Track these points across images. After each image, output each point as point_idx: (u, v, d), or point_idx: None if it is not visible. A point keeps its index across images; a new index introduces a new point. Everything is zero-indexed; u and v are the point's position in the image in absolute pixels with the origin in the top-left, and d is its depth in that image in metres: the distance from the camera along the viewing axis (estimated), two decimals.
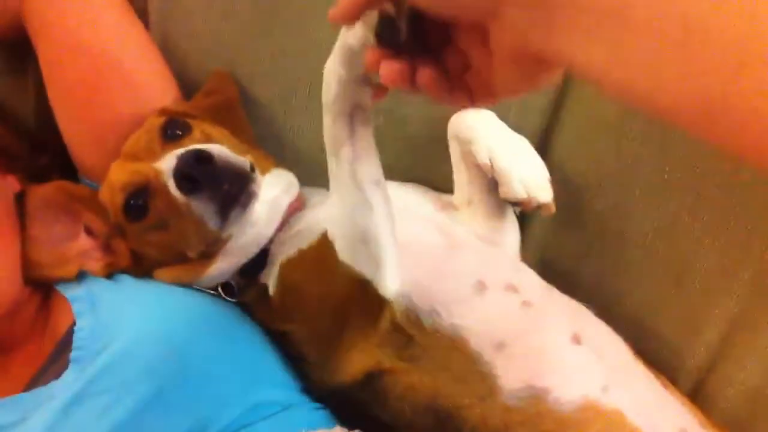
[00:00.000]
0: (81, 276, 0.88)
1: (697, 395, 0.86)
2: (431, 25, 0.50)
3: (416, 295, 0.77)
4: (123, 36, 0.99)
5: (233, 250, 0.86)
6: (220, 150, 0.81)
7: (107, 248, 0.90)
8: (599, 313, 0.85)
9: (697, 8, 0.34)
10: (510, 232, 0.92)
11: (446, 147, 0.91)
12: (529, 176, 0.82)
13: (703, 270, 0.85)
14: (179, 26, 1.05)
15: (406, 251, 0.77)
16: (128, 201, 0.84)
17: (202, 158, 0.78)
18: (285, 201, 0.90)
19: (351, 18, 0.53)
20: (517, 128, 0.86)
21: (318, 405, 0.88)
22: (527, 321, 0.79)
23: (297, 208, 0.91)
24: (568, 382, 0.75)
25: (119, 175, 0.86)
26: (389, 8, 0.50)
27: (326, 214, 0.80)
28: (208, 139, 0.87)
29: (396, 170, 0.96)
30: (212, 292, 0.89)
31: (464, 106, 0.52)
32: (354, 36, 0.59)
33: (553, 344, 0.78)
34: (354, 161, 0.71)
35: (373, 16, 0.52)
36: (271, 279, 0.87)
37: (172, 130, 0.87)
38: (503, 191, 0.82)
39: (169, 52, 1.03)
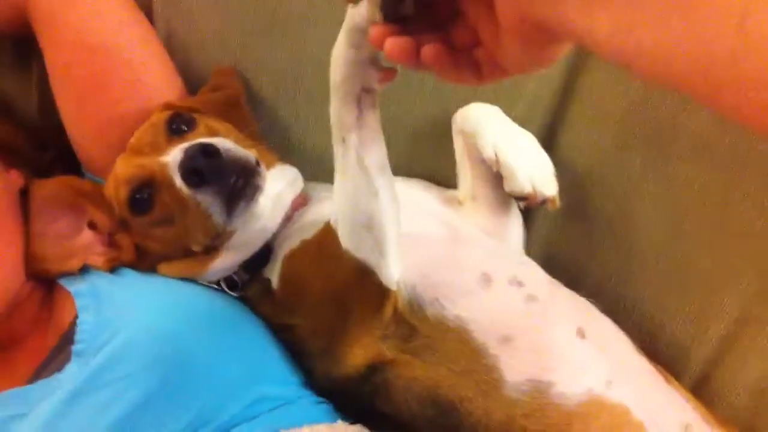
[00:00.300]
0: (84, 270, 0.88)
1: (701, 390, 0.85)
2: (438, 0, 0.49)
3: (420, 286, 0.77)
4: (128, 32, 0.99)
5: (237, 245, 0.86)
6: (225, 144, 0.81)
7: (111, 243, 0.90)
8: (604, 308, 0.84)
9: None
10: (514, 226, 0.92)
11: (450, 142, 0.91)
12: (535, 171, 0.82)
13: (708, 266, 0.85)
14: (184, 23, 1.05)
15: (411, 243, 0.77)
16: (133, 195, 0.84)
17: (209, 152, 0.78)
18: (289, 196, 0.90)
19: None
20: (522, 123, 0.86)
21: (320, 399, 0.88)
22: (532, 315, 0.79)
23: (301, 203, 0.91)
24: (572, 376, 0.75)
25: (124, 169, 0.86)
26: None
27: (330, 208, 0.79)
28: (213, 134, 0.87)
29: (400, 166, 0.95)
30: (215, 286, 0.89)
31: (471, 84, 0.51)
32: (360, 14, 0.58)
33: (557, 338, 0.78)
34: (360, 147, 0.70)
35: None
36: (274, 274, 0.87)
37: (177, 124, 0.87)
38: (508, 186, 0.82)
39: (173, 48, 1.03)
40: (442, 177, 0.95)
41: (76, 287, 0.85)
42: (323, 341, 0.84)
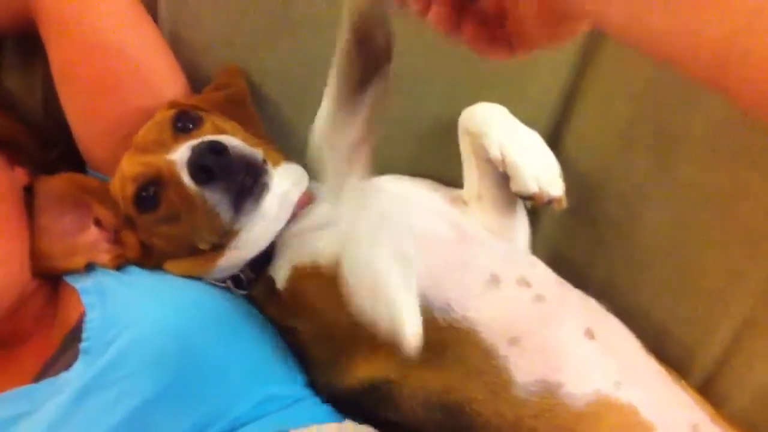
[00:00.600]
0: (90, 268, 0.88)
1: (707, 392, 0.85)
2: None
3: (431, 293, 0.77)
4: (132, 31, 0.99)
5: (243, 243, 0.86)
6: (233, 141, 0.81)
7: (117, 240, 0.90)
8: (610, 309, 0.84)
9: None
10: (520, 226, 0.91)
11: (456, 142, 0.90)
12: (541, 171, 0.81)
13: (715, 266, 0.85)
14: (189, 24, 1.05)
15: (419, 247, 0.76)
16: (139, 192, 0.84)
17: (216, 149, 0.78)
18: (295, 194, 0.90)
19: None
20: (528, 123, 0.86)
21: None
22: (540, 315, 0.78)
23: (306, 201, 0.91)
24: (581, 377, 0.75)
25: (131, 167, 0.86)
26: None
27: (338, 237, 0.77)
28: (220, 132, 0.87)
29: (406, 165, 0.96)
30: (221, 284, 0.89)
31: (503, 57, 0.53)
32: None
33: (566, 339, 0.77)
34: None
35: None
36: (278, 273, 0.87)
37: (184, 122, 0.87)
38: (514, 185, 0.82)
39: (178, 49, 1.03)
40: (448, 177, 0.95)
41: (82, 284, 0.85)
42: (326, 351, 0.84)
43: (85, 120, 0.98)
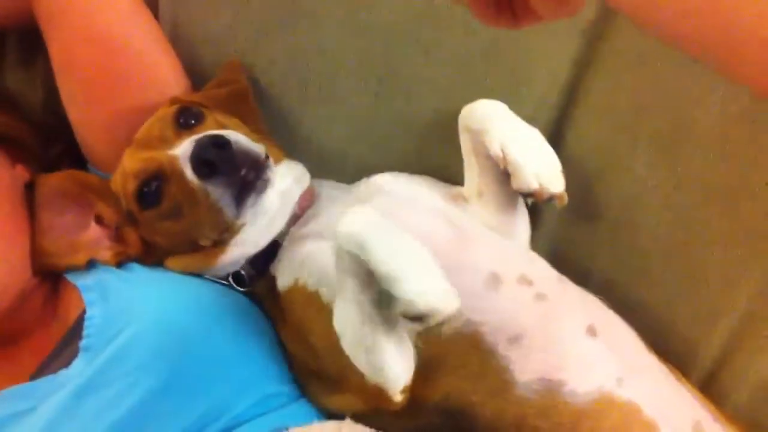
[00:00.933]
0: (91, 265, 0.88)
1: (709, 388, 0.85)
2: None
3: None
4: (133, 27, 0.99)
5: (245, 240, 0.86)
6: (236, 136, 0.81)
7: (118, 237, 0.90)
8: (612, 305, 0.84)
9: None
10: (521, 224, 0.91)
11: (457, 138, 0.90)
12: (542, 167, 0.81)
13: (716, 263, 0.85)
14: (190, 19, 1.04)
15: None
16: (141, 188, 0.84)
17: (219, 144, 0.78)
18: (296, 192, 0.89)
19: None
20: (529, 120, 0.86)
21: None
22: (542, 313, 0.78)
23: (308, 199, 0.91)
24: (583, 375, 0.75)
25: (132, 163, 0.86)
26: None
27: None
28: (222, 128, 0.87)
29: (407, 162, 0.96)
30: (222, 281, 0.89)
31: (508, 27, 0.53)
32: None
33: (568, 336, 0.77)
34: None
35: None
36: (280, 274, 0.87)
37: (186, 118, 0.87)
38: (515, 182, 0.81)
39: (179, 44, 1.03)
40: (449, 173, 0.94)
41: (83, 281, 0.85)
42: (318, 371, 0.84)
43: (86, 116, 0.98)
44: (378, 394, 0.73)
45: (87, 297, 0.82)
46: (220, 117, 0.90)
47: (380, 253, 0.65)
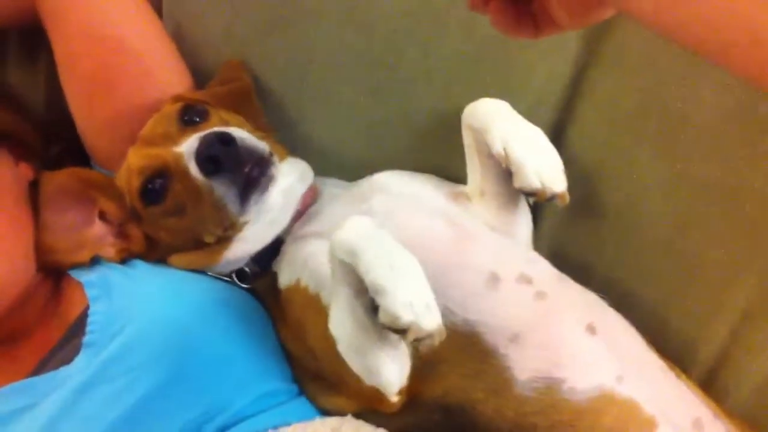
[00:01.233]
0: (95, 261, 0.88)
1: (709, 386, 0.85)
2: None
3: None
4: (137, 25, 0.99)
5: (249, 237, 0.86)
6: (241, 133, 0.81)
7: (121, 234, 0.90)
8: (612, 303, 0.84)
9: None
10: (523, 222, 0.91)
11: (459, 137, 0.90)
12: (544, 166, 0.81)
13: (715, 261, 0.85)
14: (191, 18, 1.05)
15: (417, 247, 0.76)
16: (146, 185, 0.84)
17: (224, 140, 0.78)
18: (300, 189, 0.90)
19: None
20: (530, 119, 0.86)
21: None
22: (541, 312, 0.78)
23: (311, 197, 0.91)
24: (582, 372, 0.75)
25: (137, 160, 0.86)
26: None
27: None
28: (226, 125, 0.87)
29: (409, 160, 0.96)
30: (226, 278, 0.89)
31: (529, 37, 0.53)
32: None
33: (567, 335, 0.77)
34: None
35: None
36: (282, 271, 0.87)
37: (190, 115, 0.88)
38: (517, 181, 0.81)
39: (181, 43, 1.03)
40: (451, 172, 0.95)
41: (86, 278, 0.86)
42: (316, 371, 0.84)
43: (90, 114, 0.98)
44: (374, 396, 0.74)
45: (90, 293, 0.83)
46: (224, 114, 0.91)
47: (370, 264, 0.66)
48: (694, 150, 0.84)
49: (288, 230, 0.89)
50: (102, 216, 0.90)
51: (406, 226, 0.79)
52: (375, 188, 0.89)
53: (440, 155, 0.97)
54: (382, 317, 0.65)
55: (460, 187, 0.93)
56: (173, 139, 0.85)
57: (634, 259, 0.91)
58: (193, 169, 0.80)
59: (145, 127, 0.89)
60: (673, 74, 0.84)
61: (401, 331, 0.64)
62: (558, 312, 0.79)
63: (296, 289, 0.83)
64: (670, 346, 0.86)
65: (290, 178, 0.89)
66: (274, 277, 0.88)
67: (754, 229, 0.82)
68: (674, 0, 0.38)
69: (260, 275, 0.89)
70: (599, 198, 0.92)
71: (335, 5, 0.96)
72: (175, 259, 0.89)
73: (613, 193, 0.91)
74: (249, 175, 0.81)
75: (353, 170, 0.97)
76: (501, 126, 0.82)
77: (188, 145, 0.81)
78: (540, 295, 0.79)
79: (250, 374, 0.82)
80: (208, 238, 0.86)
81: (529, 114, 0.85)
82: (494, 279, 0.79)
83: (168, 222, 0.86)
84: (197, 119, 0.88)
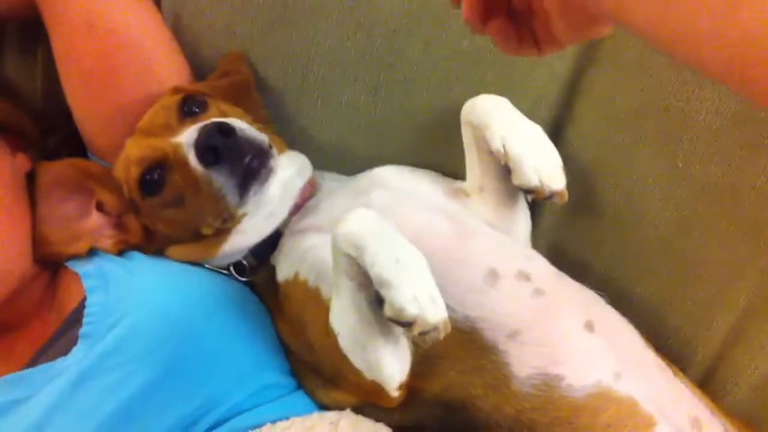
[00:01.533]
0: (92, 253, 0.88)
1: (707, 384, 0.86)
2: None
3: None
4: (137, 17, 0.99)
5: (247, 229, 0.86)
6: (240, 124, 0.81)
7: (119, 225, 0.90)
8: (610, 301, 0.84)
9: None
10: (521, 220, 0.91)
11: (458, 133, 0.90)
12: (543, 164, 0.81)
13: (714, 260, 0.86)
14: (192, 12, 1.04)
15: (416, 242, 0.76)
16: (144, 175, 0.84)
17: (224, 131, 0.78)
18: (299, 182, 0.90)
19: None
20: (530, 116, 0.86)
21: None
22: (540, 309, 0.78)
23: (309, 190, 0.91)
24: (581, 369, 0.75)
25: (136, 150, 0.85)
26: None
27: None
28: (225, 116, 0.86)
29: (408, 156, 0.96)
30: (223, 271, 0.89)
31: (532, 54, 0.54)
32: None
33: (566, 331, 0.77)
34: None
35: None
36: (280, 264, 0.87)
37: (190, 106, 0.87)
38: (516, 178, 0.81)
39: (181, 38, 1.03)
40: (450, 168, 0.95)
41: (83, 269, 0.85)
42: (314, 365, 0.84)
43: (88, 105, 0.98)
44: (374, 390, 0.74)
45: (87, 284, 0.82)
46: (224, 106, 0.90)
47: (376, 257, 0.66)
48: (694, 149, 0.85)
49: (286, 224, 0.88)
50: (99, 207, 0.90)
51: (405, 221, 0.79)
52: (374, 182, 0.89)
53: (439, 152, 0.97)
54: (388, 310, 0.65)
55: (459, 183, 0.93)
56: (172, 130, 0.84)
57: (632, 257, 0.91)
58: (192, 160, 0.79)
59: (144, 117, 0.89)
60: (673, 73, 0.84)
61: (406, 325, 0.64)
62: (556, 309, 0.79)
63: (295, 282, 0.83)
64: (669, 344, 0.87)
65: (289, 171, 0.89)
66: (272, 270, 0.88)
67: (754, 228, 0.83)
68: (665, 15, 0.39)
69: (258, 268, 0.89)
70: (598, 196, 0.92)
71: (336, 3, 0.95)
72: (172, 251, 0.89)
73: (612, 192, 0.91)
74: (248, 167, 0.80)
75: (352, 166, 0.97)
76: (500, 122, 0.82)
77: (187, 136, 0.81)
78: (538, 292, 0.79)
79: (247, 367, 0.82)
80: (206, 230, 0.86)
81: (529, 112, 0.85)
82: (493, 275, 0.79)
83: (166, 213, 0.85)
84: (196, 110, 0.87)
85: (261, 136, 0.82)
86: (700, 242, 0.86)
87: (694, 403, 0.79)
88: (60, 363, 0.77)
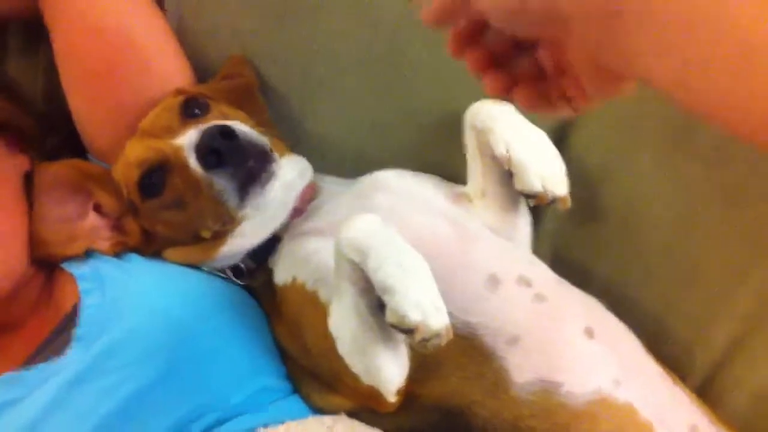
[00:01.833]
0: (88, 254, 0.87)
1: (706, 393, 0.85)
2: None
3: None
4: (138, 18, 0.99)
5: (246, 232, 0.85)
6: (242, 127, 0.80)
7: (117, 227, 0.89)
8: (611, 308, 0.84)
9: (756, 35, 0.36)
10: (523, 225, 0.91)
11: (459, 134, 0.90)
12: (546, 169, 0.80)
13: (716, 267, 0.85)
14: (194, 11, 1.04)
15: (417, 247, 0.75)
16: (144, 177, 0.83)
17: (225, 134, 0.77)
18: (299, 186, 0.89)
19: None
20: (533, 121, 0.85)
21: None
22: (540, 315, 0.78)
23: (310, 194, 0.91)
24: (580, 376, 0.75)
25: (136, 152, 0.85)
26: None
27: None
28: (227, 119, 0.86)
29: (410, 159, 0.96)
30: (221, 274, 0.89)
31: (567, 113, 0.54)
32: None
33: (566, 338, 0.77)
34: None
35: None
36: (278, 268, 0.86)
37: (192, 108, 0.87)
38: (519, 184, 0.80)
39: (183, 37, 1.02)
40: (452, 170, 0.94)
41: (79, 270, 0.85)
42: (311, 370, 0.83)
43: (88, 106, 0.97)
44: (371, 395, 0.73)
45: (83, 286, 0.82)
46: (226, 109, 0.90)
47: (379, 262, 0.66)
48: (697, 154, 0.84)
49: (285, 227, 0.88)
50: (97, 208, 0.90)
51: (407, 225, 0.78)
52: (376, 186, 0.89)
53: (442, 152, 0.96)
54: (390, 317, 0.64)
55: (461, 188, 0.92)
56: (173, 132, 0.84)
57: (633, 262, 0.90)
58: (193, 163, 0.79)
59: (145, 119, 0.88)
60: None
61: (408, 331, 0.64)
62: (557, 315, 0.78)
63: (293, 286, 0.82)
64: (669, 351, 0.86)
65: (290, 174, 0.88)
66: (269, 273, 0.87)
67: (756, 234, 0.82)
68: (690, 79, 0.39)
69: (256, 272, 0.88)
70: (600, 201, 0.91)
71: (339, 2, 0.95)
72: (170, 253, 0.88)
73: (615, 197, 0.90)
74: (249, 171, 0.80)
75: (355, 166, 0.96)
76: (504, 127, 0.82)
77: (188, 138, 0.80)
78: (539, 298, 0.79)
79: (243, 371, 0.82)
80: (205, 233, 0.85)
81: (532, 116, 0.85)
82: (494, 281, 0.78)
83: (165, 215, 0.85)
84: (198, 112, 0.87)
85: (263, 140, 0.82)
86: (701, 247, 0.86)
87: (693, 411, 0.78)
88: (55, 364, 0.77)
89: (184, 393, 0.76)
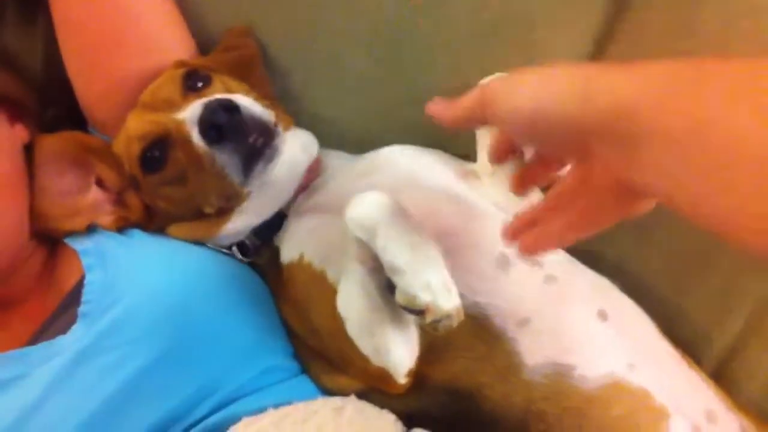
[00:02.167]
0: (91, 229, 0.86)
1: (721, 377, 0.84)
2: None
3: None
4: None
5: (250, 209, 0.84)
6: (245, 101, 0.78)
7: (119, 202, 0.88)
8: (625, 290, 0.82)
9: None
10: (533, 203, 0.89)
11: None
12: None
13: (732, 249, 0.83)
14: None
15: (425, 226, 0.74)
16: (146, 152, 0.81)
17: (229, 108, 0.75)
18: (304, 161, 0.88)
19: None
20: None
21: None
22: (552, 296, 0.76)
23: (315, 170, 0.89)
24: (593, 359, 0.73)
25: (137, 125, 0.83)
26: None
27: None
28: (229, 92, 0.84)
29: (413, 135, 0.94)
30: (226, 251, 0.87)
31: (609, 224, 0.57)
32: None
33: (578, 320, 0.75)
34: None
35: None
36: (284, 246, 0.85)
37: (193, 81, 0.85)
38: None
39: (185, 8, 1.00)
40: (457, 147, 0.92)
41: (82, 246, 0.83)
42: (319, 350, 0.82)
43: (89, 78, 0.95)
44: (382, 376, 0.72)
45: (86, 261, 0.81)
46: (228, 81, 0.88)
47: (388, 242, 0.64)
48: None
49: (291, 204, 0.86)
50: (99, 182, 0.88)
51: (414, 202, 0.76)
52: (382, 163, 0.87)
53: (449, 132, 0.94)
54: (400, 298, 0.63)
55: (469, 165, 0.90)
56: (175, 105, 0.82)
57: (647, 245, 0.89)
58: (195, 137, 0.76)
59: (146, 91, 0.86)
60: (695, 56, 0.81)
61: (418, 312, 0.62)
62: (568, 297, 0.77)
63: (299, 264, 0.81)
64: (683, 335, 0.85)
65: (295, 149, 0.86)
66: (276, 251, 0.86)
67: None
68: (711, 197, 0.40)
69: (262, 249, 0.87)
70: None
71: None
72: (173, 229, 0.86)
73: None
74: (253, 145, 0.78)
75: (359, 143, 0.94)
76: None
77: (191, 112, 0.78)
78: (550, 279, 0.77)
79: (249, 349, 0.81)
80: (208, 209, 0.83)
81: None
82: (504, 261, 0.77)
83: (167, 191, 0.83)
84: (200, 84, 0.85)
85: (267, 114, 0.79)
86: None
87: (709, 396, 0.77)
88: (59, 341, 0.75)
89: (186, 373, 0.75)
